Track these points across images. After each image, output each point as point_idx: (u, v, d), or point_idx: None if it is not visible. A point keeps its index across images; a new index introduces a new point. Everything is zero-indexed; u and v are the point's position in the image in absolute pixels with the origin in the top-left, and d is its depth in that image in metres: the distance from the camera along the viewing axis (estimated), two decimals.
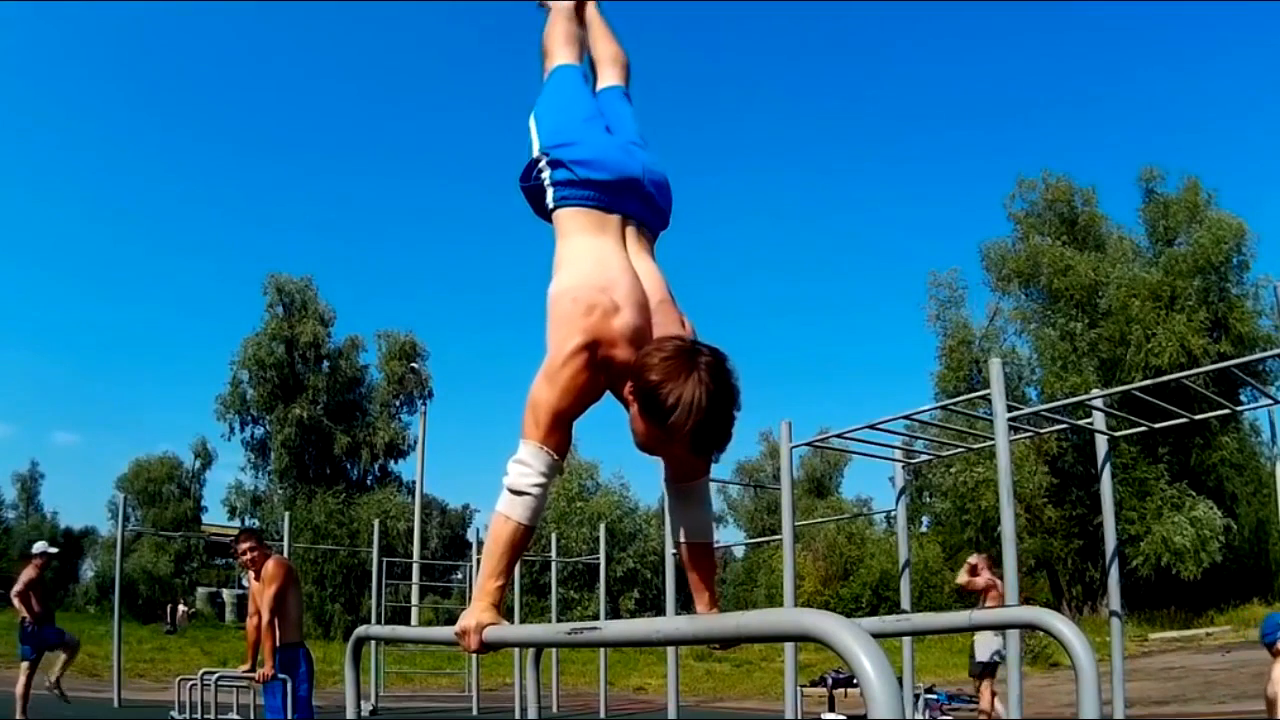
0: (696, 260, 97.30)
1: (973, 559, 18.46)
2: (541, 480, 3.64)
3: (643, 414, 3.50)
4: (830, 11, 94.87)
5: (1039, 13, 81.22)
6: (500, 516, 3.67)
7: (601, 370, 3.70)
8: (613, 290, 3.84)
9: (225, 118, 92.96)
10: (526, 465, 3.64)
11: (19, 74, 79.98)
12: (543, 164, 4.27)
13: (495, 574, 3.68)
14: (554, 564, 29.32)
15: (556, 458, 3.69)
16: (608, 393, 3.87)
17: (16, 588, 18.39)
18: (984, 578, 17.41)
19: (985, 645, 16.93)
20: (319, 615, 50.51)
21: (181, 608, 53.03)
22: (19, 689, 17.86)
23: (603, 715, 24.65)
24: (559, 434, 3.69)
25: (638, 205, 4.27)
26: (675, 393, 3.35)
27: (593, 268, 3.98)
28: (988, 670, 17.40)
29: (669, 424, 3.38)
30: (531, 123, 4.50)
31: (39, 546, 19.85)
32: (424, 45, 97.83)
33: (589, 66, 4.93)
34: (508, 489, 3.65)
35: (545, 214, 4.31)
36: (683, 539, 4.31)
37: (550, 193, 4.23)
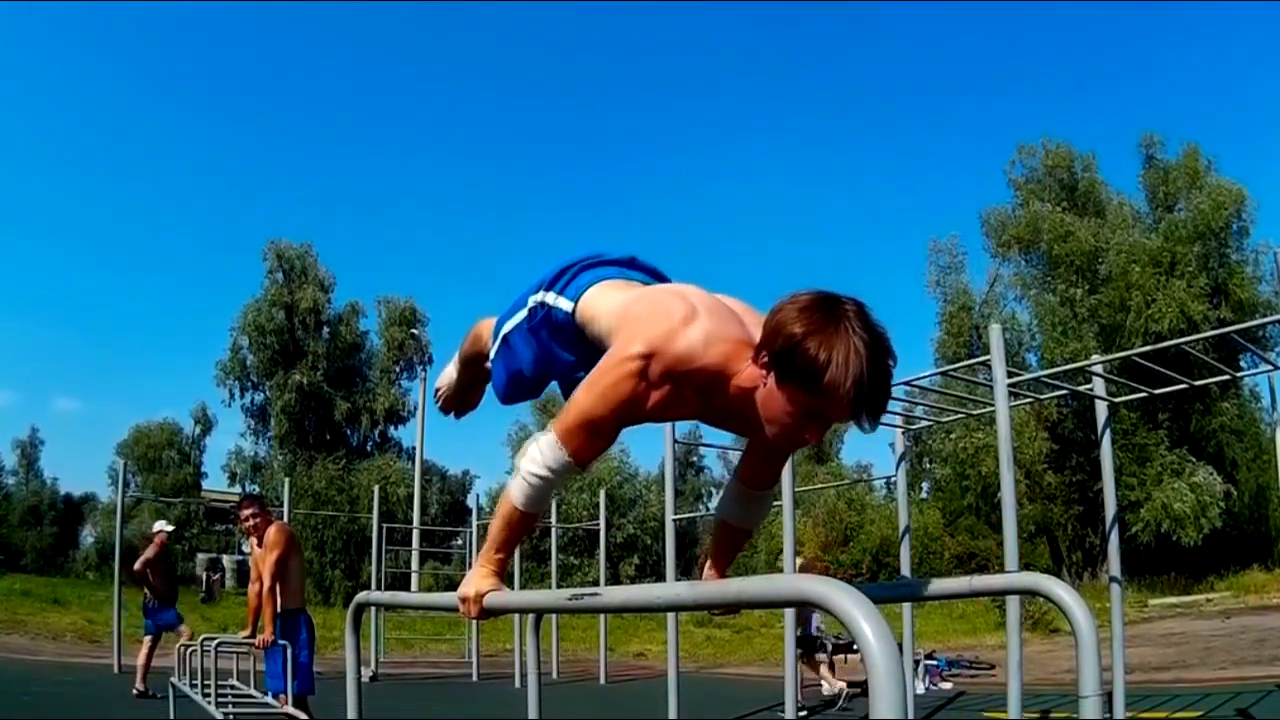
0: (698, 226, 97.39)
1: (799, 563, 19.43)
2: (546, 474, 3.45)
3: (785, 383, 3.01)
4: None
5: None
6: (505, 495, 3.59)
7: (659, 386, 3.28)
8: (692, 295, 3.45)
9: (225, 85, 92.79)
10: (537, 453, 3.45)
11: (19, 42, 79.66)
12: (541, 300, 4.00)
13: (497, 547, 3.65)
14: (554, 530, 29.35)
15: (571, 460, 3.42)
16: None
17: (136, 565, 18.62)
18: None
19: (805, 619, 18.53)
20: (319, 581, 50.58)
21: (215, 574, 53.18)
22: (140, 660, 18.39)
23: (603, 681, 24.69)
24: (584, 439, 3.41)
25: (649, 278, 4.04)
26: (826, 346, 2.88)
27: (657, 291, 3.66)
28: (816, 646, 18.72)
29: (824, 384, 2.88)
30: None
31: (159, 525, 20.09)
32: (421, 10, 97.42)
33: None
34: (517, 467, 3.54)
35: (568, 341, 3.92)
36: (730, 520, 4.19)
37: (564, 301, 3.88)
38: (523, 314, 4.08)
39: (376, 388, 61.23)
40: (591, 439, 3.41)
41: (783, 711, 13.99)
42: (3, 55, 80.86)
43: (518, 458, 3.55)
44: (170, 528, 20.71)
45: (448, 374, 5.15)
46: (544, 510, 3.70)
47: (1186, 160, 45.49)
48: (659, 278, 4.08)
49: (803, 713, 18.17)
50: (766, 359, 3.05)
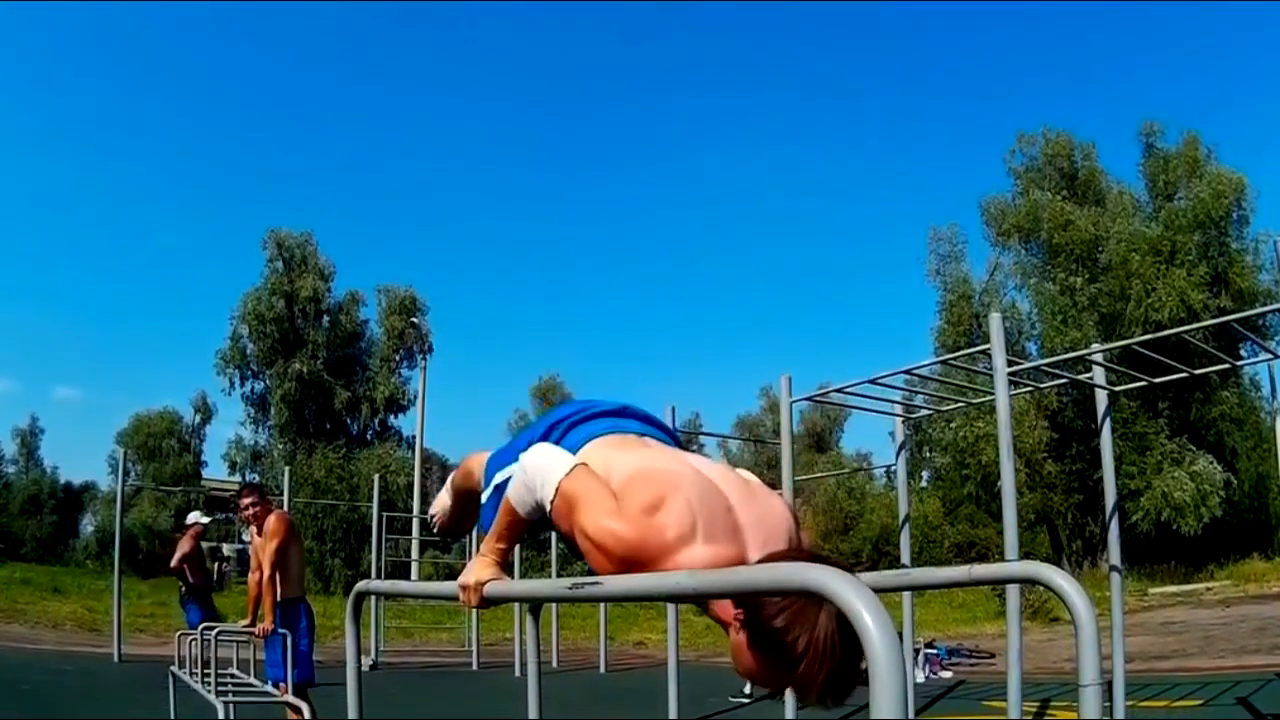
0: (699, 216, 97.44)
1: None
2: (539, 504, 3.44)
3: (755, 650, 2.87)
4: None
5: None
6: (508, 498, 3.60)
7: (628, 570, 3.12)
8: (690, 501, 3.22)
9: (225, 73, 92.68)
10: (537, 485, 3.42)
11: (18, 26, 79.59)
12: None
13: (499, 539, 3.68)
14: None
15: (550, 512, 3.43)
16: None
17: (173, 561, 18.63)
18: None
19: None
20: (319, 570, 50.54)
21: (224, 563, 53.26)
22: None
23: (603, 670, 24.73)
24: (566, 512, 3.34)
25: (644, 427, 4.00)
26: (804, 637, 2.69)
27: (658, 483, 3.33)
28: None
29: (797, 674, 2.73)
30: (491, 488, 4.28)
31: (193, 517, 20.13)
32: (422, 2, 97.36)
33: None
34: (523, 468, 3.53)
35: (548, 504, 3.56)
36: None
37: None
38: (515, 467, 3.87)
39: (376, 377, 61.09)
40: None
41: (783, 699, 13.96)
42: (2, 39, 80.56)
43: (525, 459, 3.54)
44: (206, 519, 20.73)
45: (442, 501, 5.23)
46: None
47: (1186, 149, 45.48)
48: (652, 424, 4.09)
49: (750, 698, 18.41)
50: (741, 616, 2.91)
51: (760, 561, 2.94)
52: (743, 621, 2.88)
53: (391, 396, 61.24)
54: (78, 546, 62.00)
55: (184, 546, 18.93)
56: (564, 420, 3.94)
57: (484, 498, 4.33)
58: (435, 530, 5.31)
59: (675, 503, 3.19)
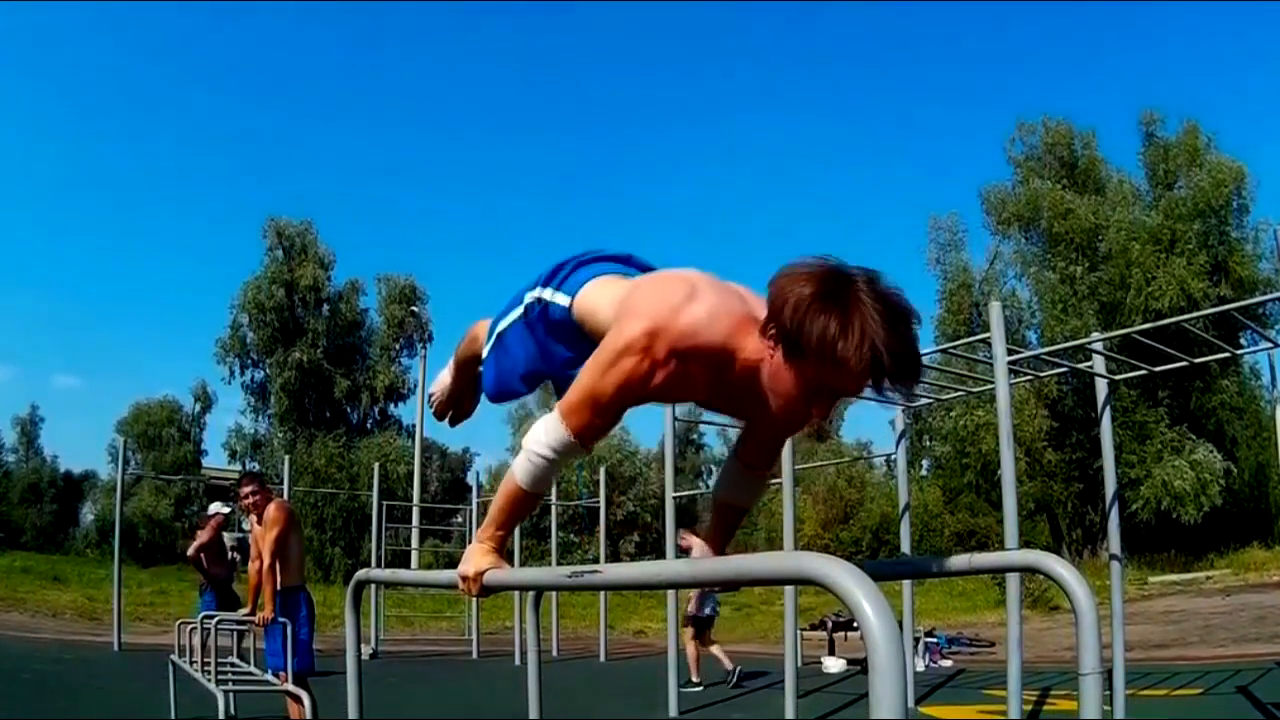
0: (697, 203, 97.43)
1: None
2: (549, 454, 3.39)
3: (795, 358, 2.85)
4: None
5: None
6: (509, 474, 3.55)
7: (664, 365, 3.16)
8: (690, 277, 3.34)
9: (224, 60, 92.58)
10: (542, 434, 3.41)
11: (17, 10, 79.44)
12: (538, 296, 3.88)
13: (497, 524, 3.63)
14: (554, 507, 29.40)
15: (574, 440, 3.36)
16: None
17: (190, 550, 18.65)
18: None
19: (698, 600, 19.22)
20: (319, 559, 50.59)
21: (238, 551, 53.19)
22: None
23: (603, 659, 24.76)
24: (588, 418, 3.33)
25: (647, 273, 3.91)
26: (836, 316, 2.70)
27: (656, 275, 3.59)
28: (693, 621, 19.31)
29: (836, 356, 2.70)
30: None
31: (215, 507, 20.09)
32: None
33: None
34: (523, 445, 3.49)
35: (565, 336, 3.81)
36: (727, 498, 4.10)
37: (561, 296, 3.77)
38: (519, 311, 4.01)
39: (376, 365, 61.17)
40: (595, 418, 3.34)
41: (782, 689, 13.99)
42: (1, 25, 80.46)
43: (523, 436, 3.51)
44: (226, 509, 20.73)
45: (442, 380, 5.10)
46: (547, 489, 3.66)
47: (1186, 138, 45.47)
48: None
49: (699, 687, 18.40)
50: (774, 333, 2.90)
51: (779, 272, 2.95)
52: (775, 337, 2.91)
53: (391, 385, 61.28)
54: (78, 535, 61.99)
55: (202, 536, 18.93)
56: (569, 262, 3.92)
57: (485, 352, 4.31)
58: (433, 411, 5.18)
59: (679, 279, 3.32)
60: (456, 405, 5.11)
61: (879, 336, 2.68)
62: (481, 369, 4.42)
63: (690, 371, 3.23)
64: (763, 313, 3.04)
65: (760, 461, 4.02)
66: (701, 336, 3.15)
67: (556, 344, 3.87)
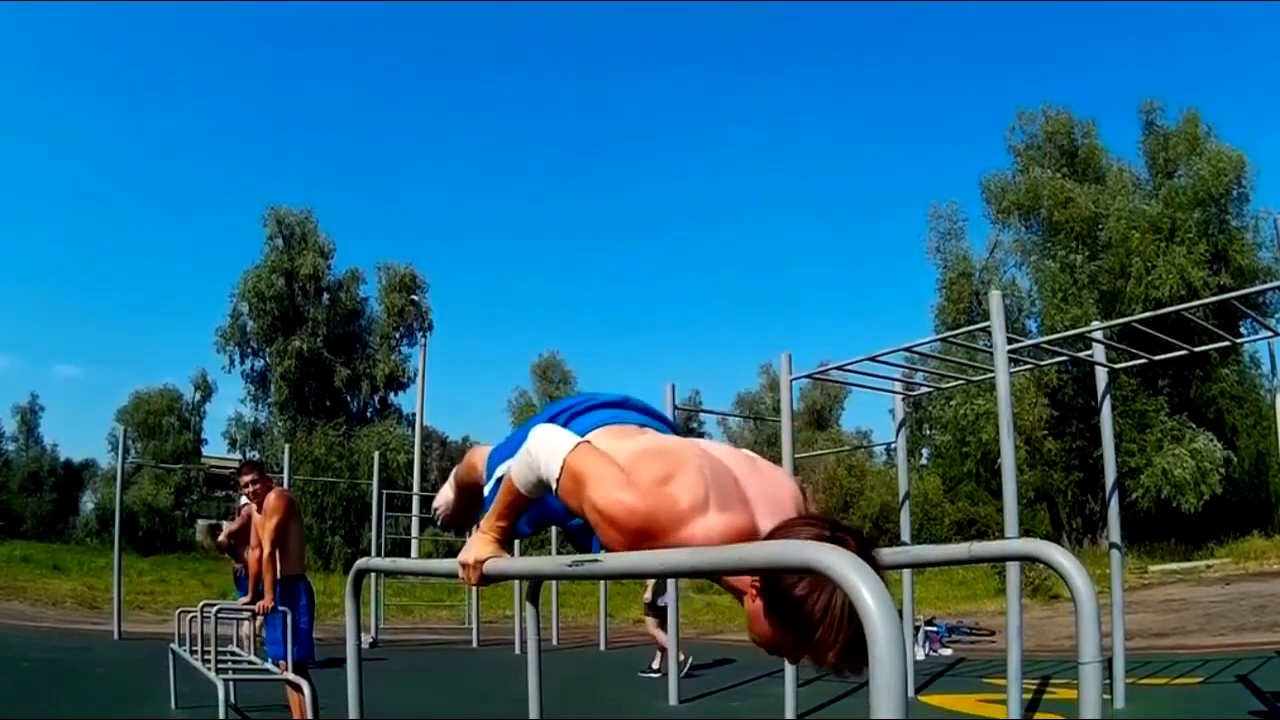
0: (699, 194, 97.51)
1: None
2: (543, 480, 3.40)
3: (773, 618, 2.83)
4: None
5: None
6: (510, 475, 3.58)
7: (650, 543, 3.09)
8: (701, 471, 3.24)
9: (224, 49, 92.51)
10: (542, 464, 3.38)
11: (18, 6, 79.33)
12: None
13: (498, 515, 3.66)
14: None
15: (556, 488, 3.37)
16: None
17: (221, 537, 18.74)
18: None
19: (655, 589, 19.64)
20: (319, 547, 50.68)
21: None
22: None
23: (603, 648, 24.77)
24: (575, 487, 3.28)
25: (644, 418, 3.99)
26: (821, 602, 2.65)
27: (667, 455, 3.37)
28: (654, 609, 19.65)
29: (814, 641, 2.69)
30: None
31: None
32: None
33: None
34: (527, 449, 3.47)
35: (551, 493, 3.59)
36: None
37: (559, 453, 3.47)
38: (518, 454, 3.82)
39: (376, 354, 61.21)
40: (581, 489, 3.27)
41: (782, 677, 14.00)
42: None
43: (531, 441, 3.48)
44: None
45: (445, 495, 5.17)
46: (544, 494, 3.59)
47: (1186, 126, 45.51)
48: (652, 416, 4.09)
49: (658, 673, 18.70)
50: (758, 585, 2.88)
51: (774, 530, 2.90)
52: (759, 589, 2.86)
53: (391, 374, 61.29)
54: (78, 524, 62.07)
55: (234, 524, 19.05)
56: (565, 411, 3.93)
57: (486, 490, 4.31)
58: (439, 524, 5.27)
59: (687, 474, 3.19)
60: (461, 518, 5.18)
61: (853, 636, 2.52)
62: (485, 501, 4.34)
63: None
64: (761, 512, 3.21)
65: None
66: (673, 537, 3.09)
67: (554, 498, 3.66)
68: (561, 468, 3.35)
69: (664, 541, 3.05)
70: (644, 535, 3.08)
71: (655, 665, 19.51)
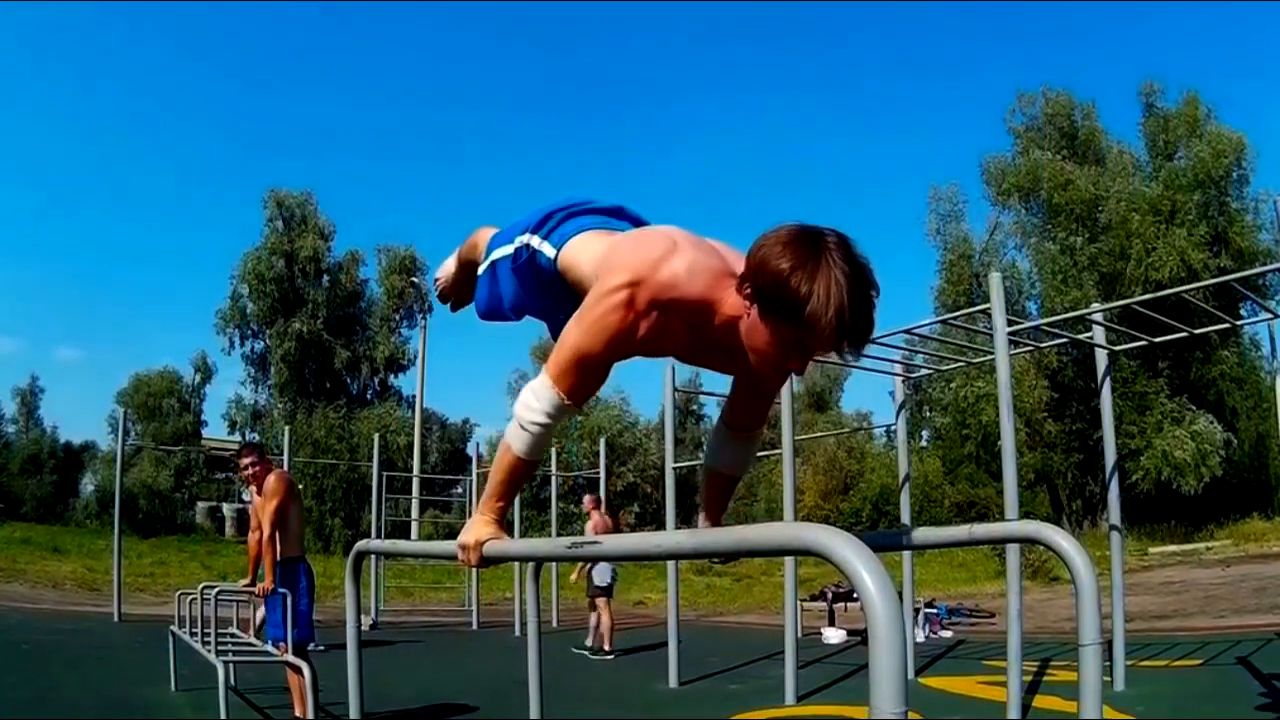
0: (696, 172, 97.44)
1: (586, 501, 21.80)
2: (544, 420, 3.48)
3: (768, 315, 3.04)
4: None
5: None
6: (504, 442, 3.60)
7: (647, 316, 3.30)
8: (671, 233, 3.48)
9: (225, 33, 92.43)
10: (534, 399, 3.49)
11: None
12: (527, 242, 4.00)
13: (496, 495, 3.66)
14: (554, 478, 29.51)
15: (567, 400, 3.46)
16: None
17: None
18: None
19: (601, 570, 19.76)
20: (319, 530, 50.72)
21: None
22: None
23: None
24: (578, 377, 3.44)
25: (635, 226, 4.01)
26: (809, 280, 2.90)
27: (638, 231, 3.73)
28: (604, 591, 19.99)
29: (806, 317, 2.91)
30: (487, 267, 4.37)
31: None
32: None
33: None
34: (514, 416, 3.54)
35: (549, 285, 3.97)
36: (719, 468, 4.23)
37: (548, 246, 3.91)
38: (509, 249, 4.12)
39: (376, 336, 61.28)
40: (584, 376, 3.45)
41: (782, 660, 14.01)
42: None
43: (515, 407, 3.54)
44: None
45: (447, 266, 5.17)
46: (543, 456, 3.69)
47: (1186, 108, 45.44)
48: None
49: (588, 651, 19.23)
50: (749, 291, 3.08)
51: (757, 244, 3.11)
52: (750, 296, 3.09)
53: (391, 356, 61.42)
54: (78, 506, 61.98)
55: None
56: (559, 210, 4.01)
57: (480, 270, 4.43)
58: (437, 295, 5.27)
59: (660, 235, 3.47)
60: (457, 293, 5.17)
61: (846, 303, 2.90)
62: (477, 282, 4.52)
63: (671, 325, 3.36)
64: (740, 268, 3.21)
65: (749, 422, 4.11)
66: (681, 289, 3.27)
67: (541, 291, 4.00)
68: (559, 250, 3.80)
69: (652, 277, 3.27)
70: (634, 269, 3.30)
71: (589, 641, 20.10)
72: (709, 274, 3.31)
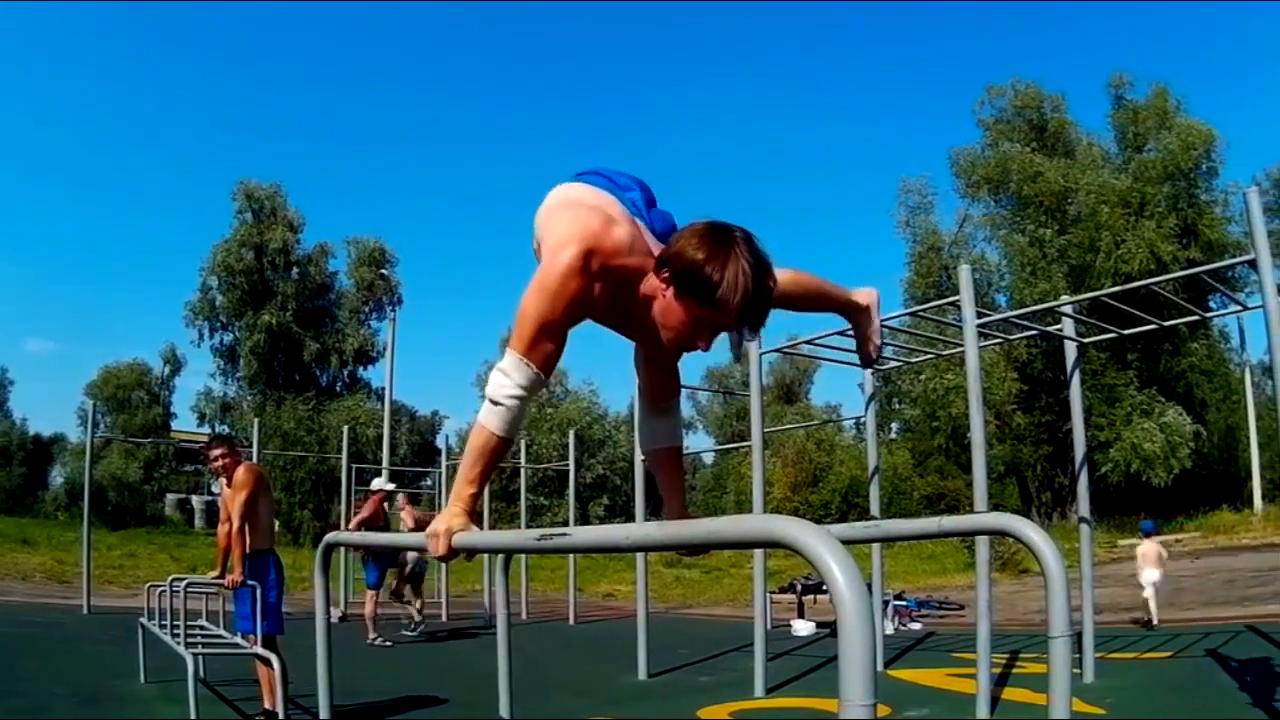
0: (668, 164, 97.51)
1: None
2: (519, 393, 3.57)
3: (683, 297, 3.43)
4: None
5: None
6: (478, 424, 3.64)
7: (598, 279, 3.58)
8: (609, 206, 3.83)
9: (195, 23, 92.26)
10: (505, 376, 3.57)
11: None
12: None
13: (469, 480, 3.66)
14: (523, 470, 29.41)
15: (538, 371, 3.59)
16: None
17: (351, 525, 19.08)
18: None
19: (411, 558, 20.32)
20: (288, 522, 50.78)
21: None
22: (366, 612, 19.95)
23: (572, 622, 24.77)
24: (545, 346, 3.58)
25: (636, 205, 4.11)
26: (719, 269, 3.32)
27: (585, 192, 3.96)
28: (414, 577, 21.06)
29: (716, 299, 3.34)
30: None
31: (378, 483, 20.59)
32: None
33: None
34: (487, 397, 3.60)
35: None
36: (656, 444, 4.40)
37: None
38: None
39: (346, 328, 61.32)
40: (550, 344, 3.61)
41: (751, 652, 14.02)
42: None
43: (487, 388, 3.60)
44: (390, 486, 21.01)
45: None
46: (518, 433, 3.76)
47: (1156, 100, 45.64)
48: (651, 209, 4.21)
49: (387, 643, 19.31)
50: (667, 275, 3.47)
51: (676, 237, 3.56)
52: (667, 278, 3.48)
53: (361, 348, 61.54)
54: (47, 498, 62.06)
55: (365, 510, 19.44)
56: (588, 172, 4.19)
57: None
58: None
59: (596, 209, 3.78)
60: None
61: (750, 289, 3.33)
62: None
63: (606, 289, 3.67)
64: (654, 249, 3.73)
65: (664, 393, 4.40)
66: (624, 258, 3.63)
67: None
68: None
69: (602, 243, 3.58)
70: (584, 238, 3.57)
71: (417, 617, 21.04)
72: (642, 250, 3.70)
